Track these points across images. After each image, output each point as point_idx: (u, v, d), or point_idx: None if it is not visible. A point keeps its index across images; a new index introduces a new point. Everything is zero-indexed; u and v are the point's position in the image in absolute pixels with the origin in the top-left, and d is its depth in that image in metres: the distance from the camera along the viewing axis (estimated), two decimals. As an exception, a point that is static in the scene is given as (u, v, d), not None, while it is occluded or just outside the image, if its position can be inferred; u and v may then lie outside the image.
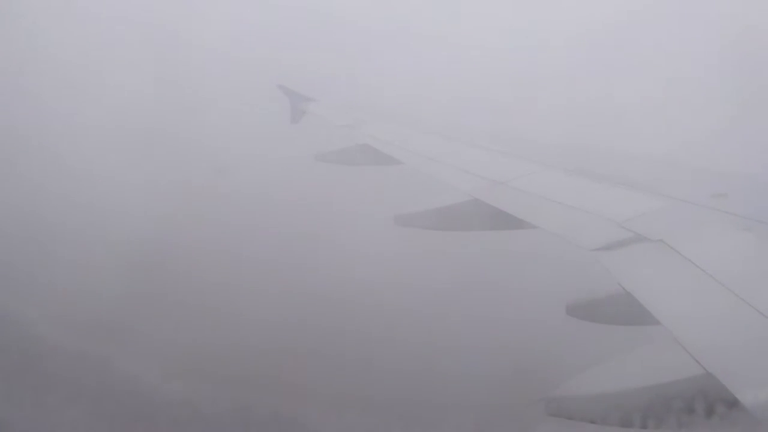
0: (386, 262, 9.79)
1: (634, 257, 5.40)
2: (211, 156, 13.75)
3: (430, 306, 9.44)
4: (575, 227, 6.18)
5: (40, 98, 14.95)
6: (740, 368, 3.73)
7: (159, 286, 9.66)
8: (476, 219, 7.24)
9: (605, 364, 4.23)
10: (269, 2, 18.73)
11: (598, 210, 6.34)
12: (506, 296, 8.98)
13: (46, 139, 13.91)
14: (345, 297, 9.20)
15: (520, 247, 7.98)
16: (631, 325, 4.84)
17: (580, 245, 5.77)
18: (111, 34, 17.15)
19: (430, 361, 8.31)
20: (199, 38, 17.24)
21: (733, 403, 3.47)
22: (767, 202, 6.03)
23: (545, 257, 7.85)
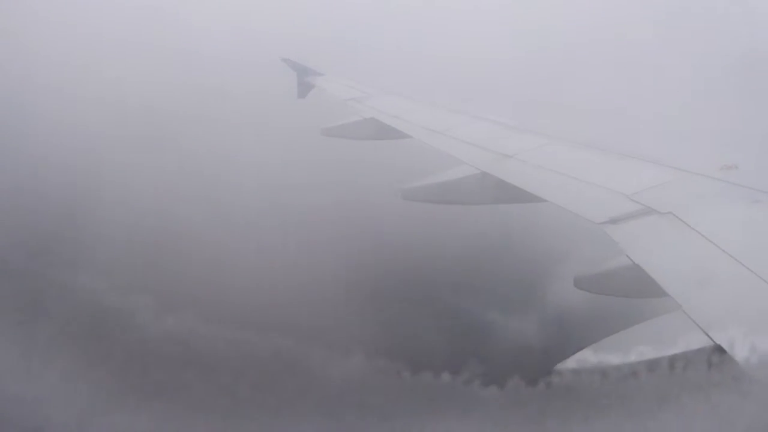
0: (393, 236, 9.81)
1: (642, 230, 5.41)
2: (216, 131, 13.75)
3: (436, 281, 9.47)
4: (584, 200, 6.17)
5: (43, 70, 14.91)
6: (747, 338, 3.75)
7: (168, 248, 9.75)
8: (484, 192, 7.23)
9: (613, 336, 4.25)
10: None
11: (607, 183, 6.33)
12: (514, 270, 9.01)
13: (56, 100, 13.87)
14: (352, 271, 9.23)
15: (528, 221, 7.98)
16: (639, 297, 4.86)
17: (588, 218, 5.77)
18: (113, 11, 17.06)
19: (435, 334, 8.37)
20: (203, 11, 17.13)
21: (735, 370, 3.51)
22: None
23: (553, 230, 7.85)
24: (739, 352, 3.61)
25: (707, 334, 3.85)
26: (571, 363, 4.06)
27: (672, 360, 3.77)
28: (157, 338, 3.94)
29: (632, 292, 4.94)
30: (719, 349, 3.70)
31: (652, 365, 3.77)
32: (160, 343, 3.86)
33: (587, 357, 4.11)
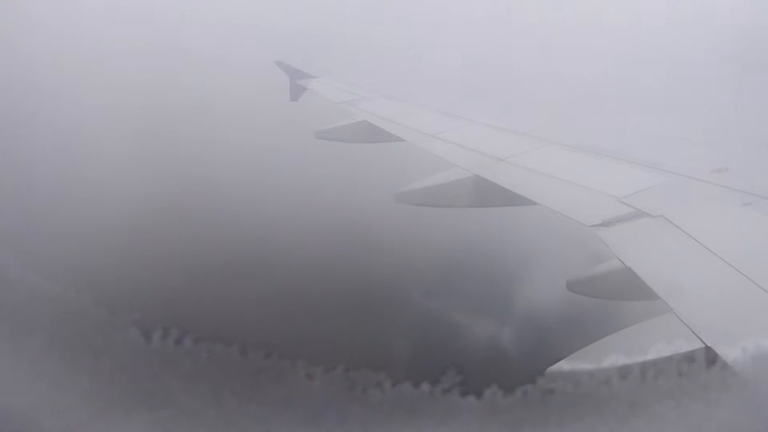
0: (386, 239, 9.81)
1: (634, 233, 5.43)
2: (209, 134, 13.71)
3: (428, 284, 9.48)
4: (576, 203, 6.19)
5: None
6: (738, 340, 3.76)
7: (160, 250, 9.73)
8: (476, 195, 7.25)
9: (605, 339, 4.26)
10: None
11: (599, 186, 6.36)
12: (507, 273, 9.02)
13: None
14: (344, 275, 9.23)
15: (520, 224, 8.00)
16: (631, 300, 4.87)
17: (580, 221, 5.79)
18: (106, 13, 17.00)
19: (430, 335, 8.37)
20: (195, 14, 17.09)
21: (727, 372, 3.52)
22: (767, 176, 6.03)
23: (545, 233, 7.87)
24: (730, 354, 3.62)
25: (699, 337, 3.86)
26: (563, 365, 4.07)
27: (663, 362, 3.78)
28: (146, 342, 3.91)
29: (624, 295, 4.96)
30: (710, 352, 3.72)
31: (643, 368, 3.78)
32: (149, 348, 3.84)
33: (579, 359, 4.12)
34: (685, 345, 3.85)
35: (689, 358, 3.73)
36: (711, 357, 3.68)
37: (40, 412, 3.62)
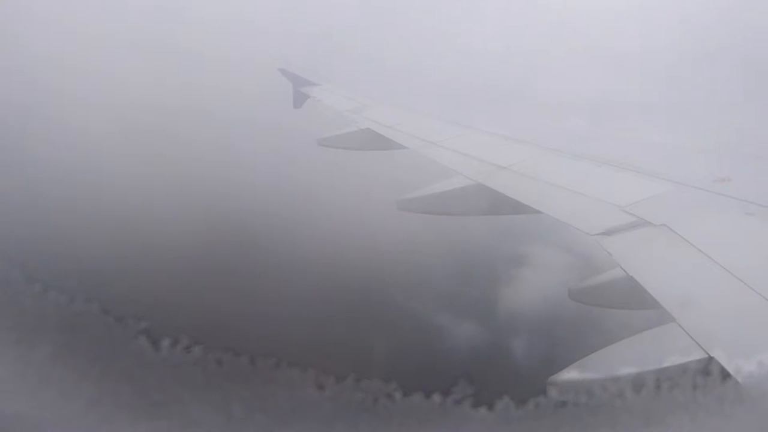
0: (388, 246, 9.81)
1: (636, 242, 5.41)
2: (213, 141, 13.75)
3: (430, 291, 9.48)
4: (578, 212, 6.17)
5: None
6: (741, 350, 3.75)
7: (162, 257, 9.72)
8: (479, 204, 7.24)
9: (608, 348, 4.25)
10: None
11: (602, 195, 6.34)
12: (509, 281, 9.02)
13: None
14: (347, 281, 9.23)
15: (523, 232, 8.00)
16: (633, 309, 4.86)
17: (583, 230, 5.77)
18: (112, 18, 17.08)
19: (431, 344, 8.36)
20: (199, 21, 17.16)
21: (729, 382, 3.51)
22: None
23: (548, 242, 7.88)
24: (733, 364, 3.60)
25: (701, 346, 3.85)
26: (565, 375, 4.05)
27: (666, 372, 3.76)
28: (151, 349, 3.91)
29: (626, 304, 4.95)
30: (713, 362, 3.70)
31: (645, 377, 3.77)
32: (151, 357, 3.84)
33: (582, 368, 4.10)
34: (687, 355, 3.84)
35: (692, 368, 3.72)
36: (714, 367, 3.67)
37: (46, 420, 3.62)
